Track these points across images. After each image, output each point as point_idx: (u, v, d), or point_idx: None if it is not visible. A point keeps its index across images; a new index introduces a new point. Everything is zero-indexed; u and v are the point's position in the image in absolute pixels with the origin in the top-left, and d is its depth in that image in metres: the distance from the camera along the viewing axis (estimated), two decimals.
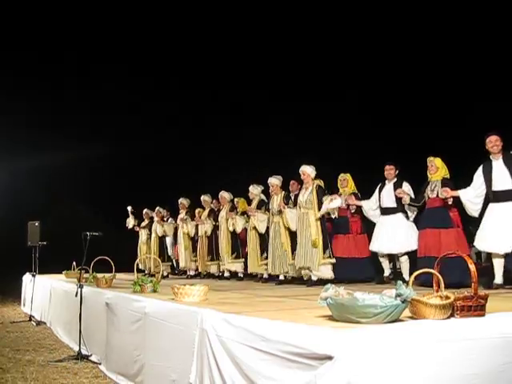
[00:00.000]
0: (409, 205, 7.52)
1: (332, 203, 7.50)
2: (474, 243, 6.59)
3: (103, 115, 14.91)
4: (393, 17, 11.98)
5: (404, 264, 7.87)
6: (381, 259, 8.13)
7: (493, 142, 6.46)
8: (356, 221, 8.53)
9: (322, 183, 8.00)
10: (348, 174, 8.70)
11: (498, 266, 6.40)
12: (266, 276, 9.03)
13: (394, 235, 7.71)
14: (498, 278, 6.38)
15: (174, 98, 14.99)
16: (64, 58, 14.73)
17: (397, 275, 8.17)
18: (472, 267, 3.23)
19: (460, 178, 7.10)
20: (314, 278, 7.64)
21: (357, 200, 8.38)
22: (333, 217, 7.77)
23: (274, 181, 8.76)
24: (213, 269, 10.67)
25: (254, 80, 13.89)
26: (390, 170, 7.98)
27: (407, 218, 7.75)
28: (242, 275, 9.87)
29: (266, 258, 8.92)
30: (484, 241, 6.47)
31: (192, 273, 11.46)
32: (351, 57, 12.88)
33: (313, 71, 13.25)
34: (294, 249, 8.11)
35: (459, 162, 7.46)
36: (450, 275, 5.80)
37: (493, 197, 6.44)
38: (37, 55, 14.27)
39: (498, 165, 6.43)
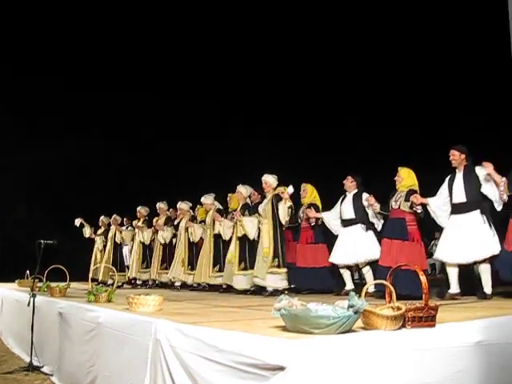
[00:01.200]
0: (378, 213, 7.60)
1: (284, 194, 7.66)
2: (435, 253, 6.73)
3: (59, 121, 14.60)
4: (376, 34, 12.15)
5: (367, 275, 7.88)
6: (341, 271, 8.11)
7: (451, 156, 6.66)
8: (307, 230, 8.54)
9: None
10: (308, 185, 8.72)
11: (453, 275, 6.55)
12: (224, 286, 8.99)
13: (353, 246, 7.75)
14: (454, 288, 6.52)
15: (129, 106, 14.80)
16: None
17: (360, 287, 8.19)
18: (423, 279, 3.29)
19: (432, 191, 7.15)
20: (270, 289, 7.67)
21: (316, 211, 8.42)
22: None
23: (242, 190, 8.89)
24: (164, 278, 10.60)
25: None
26: (347, 181, 8.07)
27: (367, 228, 7.79)
28: (195, 285, 9.81)
29: (219, 269, 8.92)
30: (440, 250, 6.66)
31: (139, 282, 11.36)
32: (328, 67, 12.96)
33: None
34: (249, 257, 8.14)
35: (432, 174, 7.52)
36: (402, 286, 5.95)
37: (452, 208, 6.62)
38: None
39: (458, 177, 6.62)
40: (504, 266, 6.06)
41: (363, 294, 3.28)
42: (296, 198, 8.62)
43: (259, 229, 8.14)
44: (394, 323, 3.14)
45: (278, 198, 7.87)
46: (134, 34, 13.59)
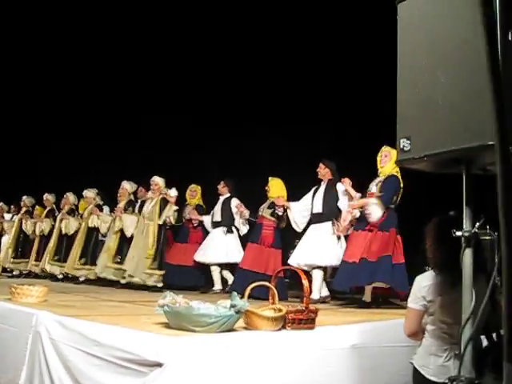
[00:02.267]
0: (248, 219, 7.94)
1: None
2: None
3: None
4: None
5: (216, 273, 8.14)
6: (212, 271, 8.16)
7: (318, 168, 6.95)
8: (197, 231, 8.60)
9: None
10: (198, 186, 8.78)
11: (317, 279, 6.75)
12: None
13: (218, 247, 8.01)
14: (324, 291, 6.74)
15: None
16: None
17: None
18: (305, 282, 3.41)
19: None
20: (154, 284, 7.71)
21: (198, 214, 8.48)
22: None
23: (126, 185, 8.80)
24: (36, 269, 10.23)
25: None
26: (223, 187, 8.30)
27: (232, 231, 8.06)
28: (60, 276, 9.52)
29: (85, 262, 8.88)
30: (292, 256, 6.88)
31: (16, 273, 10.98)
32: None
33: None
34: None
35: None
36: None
37: (311, 217, 6.93)
38: None
39: (321, 189, 6.92)
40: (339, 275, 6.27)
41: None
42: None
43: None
44: (275, 324, 3.24)
45: (165, 201, 7.92)
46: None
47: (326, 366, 3.29)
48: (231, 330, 3.13)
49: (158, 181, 8.07)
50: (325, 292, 6.75)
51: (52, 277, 9.59)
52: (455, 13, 2.09)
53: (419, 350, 2.79)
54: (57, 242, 9.70)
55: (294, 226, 7.15)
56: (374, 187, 6.09)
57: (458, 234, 2.18)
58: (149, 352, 2.75)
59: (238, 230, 8.04)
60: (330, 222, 6.65)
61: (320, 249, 6.57)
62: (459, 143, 2.01)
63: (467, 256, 2.17)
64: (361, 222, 6.15)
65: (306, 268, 6.54)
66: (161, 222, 7.87)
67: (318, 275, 6.63)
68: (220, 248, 7.91)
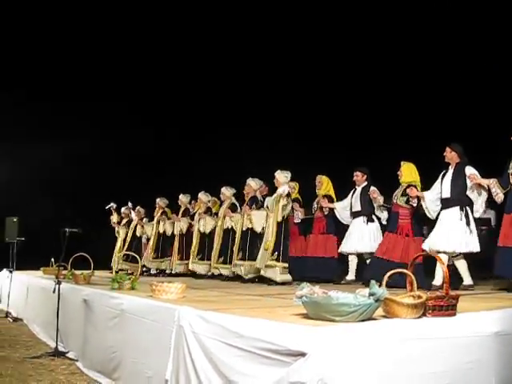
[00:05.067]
0: (382, 206, 7.77)
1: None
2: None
3: (89, 108, 14.71)
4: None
5: (352, 263, 8.31)
6: (350, 258, 8.35)
7: (444, 153, 6.79)
8: (321, 220, 8.72)
9: (297, 187, 8.63)
10: (324, 176, 8.85)
11: (461, 268, 6.68)
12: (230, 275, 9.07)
13: (362, 236, 8.03)
14: (466, 280, 6.62)
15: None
16: None
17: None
18: (444, 267, 3.30)
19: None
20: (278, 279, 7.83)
21: (330, 202, 8.51)
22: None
23: (252, 183, 8.99)
24: (180, 268, 10.79)
25: None
26: (356, 177, 8.35)
27: (368, 221, 8.05)
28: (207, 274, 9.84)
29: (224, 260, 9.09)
30: (426, 241, 6.77)
31: (153, 272, 11.51)
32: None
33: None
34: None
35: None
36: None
37: (441, 203, 6.76)
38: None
39: (448, 174, 6.75)
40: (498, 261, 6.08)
41: (384, 282, 3.30)
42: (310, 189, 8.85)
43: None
44: (415, 312, 3.16)
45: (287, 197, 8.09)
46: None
47: (469, 354, 3.17)
48: (371, 318, 3.09)
49: (277, 176, 8.22)
50: (469, 281, 6.58)
51: (194, 274, 10.03)
52: None
53: None
54: (199, 241, 10.10)
55: (427, 213, 6.99)
56: None
57: None
58: (291, 342, 2.77)
59: (378, 218, 8.06)
60: (458, 207, 6.48)
61: (455, 235, 6.41)
62: None
63: None
64: None
65: (444, 254, 6.44)
66: (279, 219, 7.99)
67: (461, 262, 6.59)
68: (362, 237, 8.01)
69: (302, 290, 3.22)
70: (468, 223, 6.43)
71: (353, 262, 8.29)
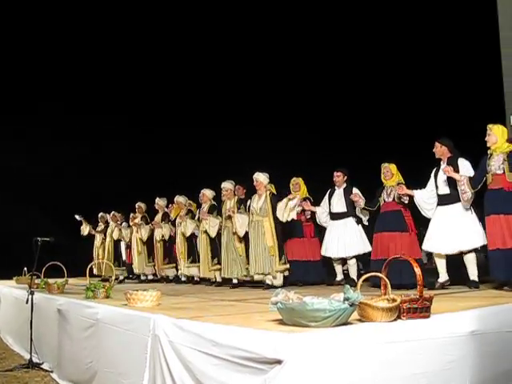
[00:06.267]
0: (363, 208, 7.70)
1: (291, 202, 7.67)
2: (422, 244, 6.77)
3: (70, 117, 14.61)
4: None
5: (352, 267, 8.14)
6: (334, 263, 8.30)
7: (434, 149, 6.71)
8: (309, 225, 8.65)
9: (273, 189, 8.20)
10: (300, 179, 8.78)
11: (441, 264, 6.60)
12: (219, 280, 9.07)
13: (344, 239, 7.94)
14: (443, 276, 6.57)
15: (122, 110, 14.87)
16: None
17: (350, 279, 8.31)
18: (417, 270, 3.32)
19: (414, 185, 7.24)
20: (269, 282, 7.73)
21: (311, 205, 8.50)
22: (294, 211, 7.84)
23: (228, 185, 8.83)
24: (169, 272, 10.72)
25: None
26: (337, 177, 8.23)
27: (358, 222, 8.00)
28: (198, 279, 9.83)
29: (218, 262, 8.99)
30: (428, 241, 6.65)
31: (150, 277, 11.41)
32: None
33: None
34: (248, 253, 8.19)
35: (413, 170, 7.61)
36: (402, 277, 6.11)
37: (438, 199, 6.65)
38: None
39: (441, 169, 6.60)
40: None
41: (359, 286, 3.31)
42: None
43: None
44: (389, 315, 3.18)
45: (274, 197, 7.96)
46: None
47: (445, 355, 3.19)
48: (346, 323, 3.10)
49: (258, 177, 8.17)
50: (445, 277, 6.57)
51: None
52: None
53: None
54: (186, 244, 10.01)
55: (422, 213, 6.92)
56: (496, 167, 5.90)
57: None
58: (267, 349, 2.77)
59: (361, 219, 8.00)
60: (460, 203, 6.37)
61: (460, 232, 6.34)
62: None
63: None
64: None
65: (448, 253, 6.46)
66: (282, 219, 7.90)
67: (471, 258, 6.45)
68: (352, 239, 7.94)
69: (276, 295, 3.21)
70: (474, 217, 6.35)
71: (339, 266, 8.28)
